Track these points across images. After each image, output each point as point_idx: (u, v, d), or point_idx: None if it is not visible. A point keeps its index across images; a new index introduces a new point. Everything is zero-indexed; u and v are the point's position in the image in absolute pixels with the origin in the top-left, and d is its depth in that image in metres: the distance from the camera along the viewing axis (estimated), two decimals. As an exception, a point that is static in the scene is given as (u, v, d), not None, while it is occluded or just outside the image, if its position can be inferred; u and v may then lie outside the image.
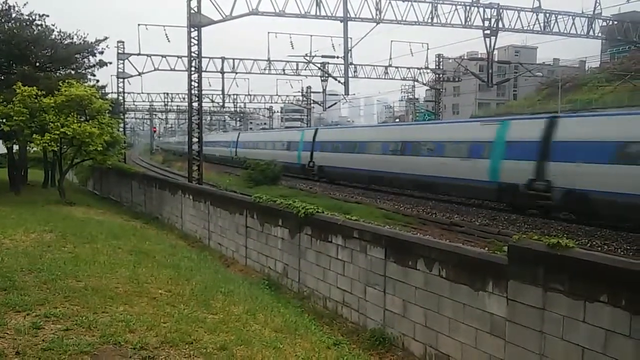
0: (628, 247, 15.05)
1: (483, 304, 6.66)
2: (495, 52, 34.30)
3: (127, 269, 9.02)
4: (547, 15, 31.11)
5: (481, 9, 29.77)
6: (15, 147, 26.89)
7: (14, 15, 25.39)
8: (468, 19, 29.55)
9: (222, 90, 49.04)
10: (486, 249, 9.53)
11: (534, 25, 30.99)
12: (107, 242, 11.83)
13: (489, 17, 29.74)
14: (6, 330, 5.57)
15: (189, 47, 24.04)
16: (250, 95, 64.34)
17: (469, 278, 6.90)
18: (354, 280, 9.20)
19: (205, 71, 32.46)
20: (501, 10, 29.95)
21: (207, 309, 7.32)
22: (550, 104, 52.73)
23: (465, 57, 49.26)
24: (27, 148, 28.11)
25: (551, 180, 18.53)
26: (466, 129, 24.65)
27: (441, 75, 44.89)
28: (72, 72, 27.89)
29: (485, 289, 6.63)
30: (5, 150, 28.63)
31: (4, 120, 21.20)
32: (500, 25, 30.00)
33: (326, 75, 45.75)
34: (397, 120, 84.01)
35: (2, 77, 25.80)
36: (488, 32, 29.92)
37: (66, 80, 22.25)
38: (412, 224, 18.43)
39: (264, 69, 43.43)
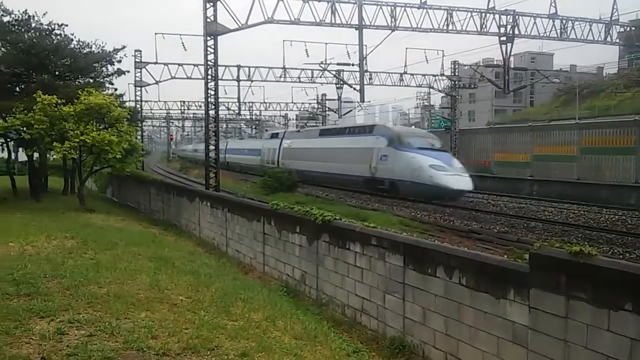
0: (650, 255, 14.83)
1: (504, 312, 6.60)
2: (511, 58, 34.09)
3: (148, 276, 9.10)
4: (564, 21, 30.84)
5: (497, 16, 29.60)
6: (36, 155, 27.33)
7: (33, 25, 25.95)
8: (484, 26, 29.39)
9: (238, 98, 49.30)
10: (505, 256, 9.48)
11: (550, 31, 30.73)
12: (127, 249, 11.95)
13: (505, 23, 29.55)
14: (31, 336, 5.67)
15: (205, 55, 24.23)
16: (266, 102, 64.60)
17: (490, 286, 6.84)
18: (373, 287, 9.18)
19: (221, 79, 32.69)
20: (517, 17, 29.75)
21: (228, 315, 7.36)
22: (568, 110, 52.27)
23: (481, 64, 49.06)
24: (47, 156, 28.53)
25: None
26: None
27: (457, 82, 44.71)
28: (91, 80, 28.34)
29: (507, 297, 6.58)
30: (26, 158, 29.09)
31: (25, 129, 21.53)
32: (516, 31, 29.80)
33: (341, 82, 45.80)
34: (413, 127, 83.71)
35: (23, 86, 26.27)
36: (504, 38, 29.74)
37: (85, 89, 22.58)
38: (430, 231, 18.33)
39: (280, 77, 43.60)
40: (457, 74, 43.66)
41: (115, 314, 6.60)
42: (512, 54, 31.65)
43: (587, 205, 25.44)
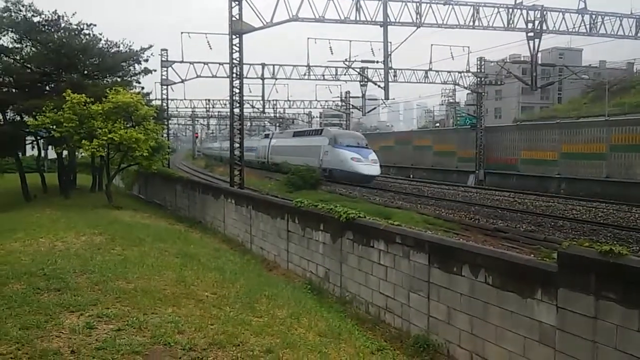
0: (682, 255, 14.46)
1: (532, 312, 6.51)
2: (539, 54, 33.44)
3: (174, 272, 9.23)
4: (593, 16, 30.17)
5: (524, 11, 29.17)
6: (65, 153, 27.84)
7: (63, 25, 26.42)
8: (511, 22, 28.98)
9: (262, 96, 49.43)
10: (532, 255, 9.36)
11: (579, 26, 30.12)
12: (153, 245, 12.13)
13: (533, 19, 29.10)
14: (61, 330, 5.80)
15: (231, 54, 24.36)
16: (290, 100, 64.72)
17: (517, 285, 6.76)
18: (397, 285, 9.15)
19: (246, 77, 32.84)
20: (545, 12, 29.26)
21: (252, 311, 7.43)
22: (597, 107, 51.22)
23: (508, 60, 48.31)
24: (76, 153, 29.06)
25: None
26: None
27: (483, 79, 44.15)
28: (119, 79, 28.78)
29: (534, 297, 6.49)
30: (55, 156, 29.68)
31: (55, 127, 21.90)
32: (544, 27, 29.31)
33: (365, 80, 45.63)
34: (437, 125, 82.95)
35: (53, 85, 26.80)
36: (531, 34, 29.27)
37: (113, 88, 22.91)
38: (455, 229, 18.15)
39: (304, 75, 43.61)
40: (483, 70, 43.09)
41: (143, 309, 6.71)
42: (539, 49, 31.15)
43: (617, 204, 24.89)
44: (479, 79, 43.71)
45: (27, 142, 31.26)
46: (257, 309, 7.59)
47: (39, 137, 28.44)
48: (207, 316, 6.75)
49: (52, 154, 33.77)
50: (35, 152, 31.97)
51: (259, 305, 7.87)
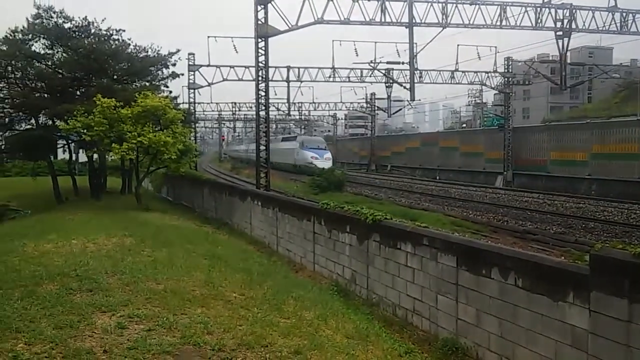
0: None
1: (563, 315, 6.41)
2: (568, 53, 32.82)
3: (202, 273, 9.32)
4: (624, 14, 29.55)
5: (553, 10, 28.70)
6: (95, 156, 28.40)
7: (93, 30, 26.99)
8: (539, 21, 28.54)
9: (288, 98, 49.65)
10: (562, 258, 9.21)
11: (609, 25, 29.52)
12: (182, 247, 12.27)
13: (561, 17, 28.62)
14: (94, 330, 5.90)
15: (257, 57, 24.50)
16: (315, 103, 64.94)
17: (548, 288, 6.65)
18: (425, 288, 9.09)
19: (271, 80, 33.01)
20: (574, 11, 28.75)
21: (280, 313, 7.45)
22: (629, 106, 50.07)
23: (536, 60, 47.58)
24: (106, 157, 29.59)
25: None
26: None
27: (510, 79, 43.54)
28: (147, 83, 29.19)
29: (566, 300, 6.38)
30: (86, 159, 30.29)
31: (85, 131, 22.32)
32: (573, 26, 28.80)
33: (391, 81, 45.48)
34: (464, 126, 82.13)
35: (83, 90, 27.35)
36: (560, 33, 28.79)
37: (142, 92, 23.26)
38: (483, 231, 17.96)
39: (329, 77, 43.70)
40: (510, 70, 42.49)
41: (173, 309, 6.79)
42: (568, 48, 30.60)
43: (650, 206, 24.29)
44: (506, 79, 43.12)
45: (58, 145, 31.99)
46: (284, 310, 7.62)
47: (70, 141, 29.05)
48: (235, 317, 6.80)
49: (82, 157, 34.50)
50: (67, 156, 32.63)
51: (286, 306, 7.90)
